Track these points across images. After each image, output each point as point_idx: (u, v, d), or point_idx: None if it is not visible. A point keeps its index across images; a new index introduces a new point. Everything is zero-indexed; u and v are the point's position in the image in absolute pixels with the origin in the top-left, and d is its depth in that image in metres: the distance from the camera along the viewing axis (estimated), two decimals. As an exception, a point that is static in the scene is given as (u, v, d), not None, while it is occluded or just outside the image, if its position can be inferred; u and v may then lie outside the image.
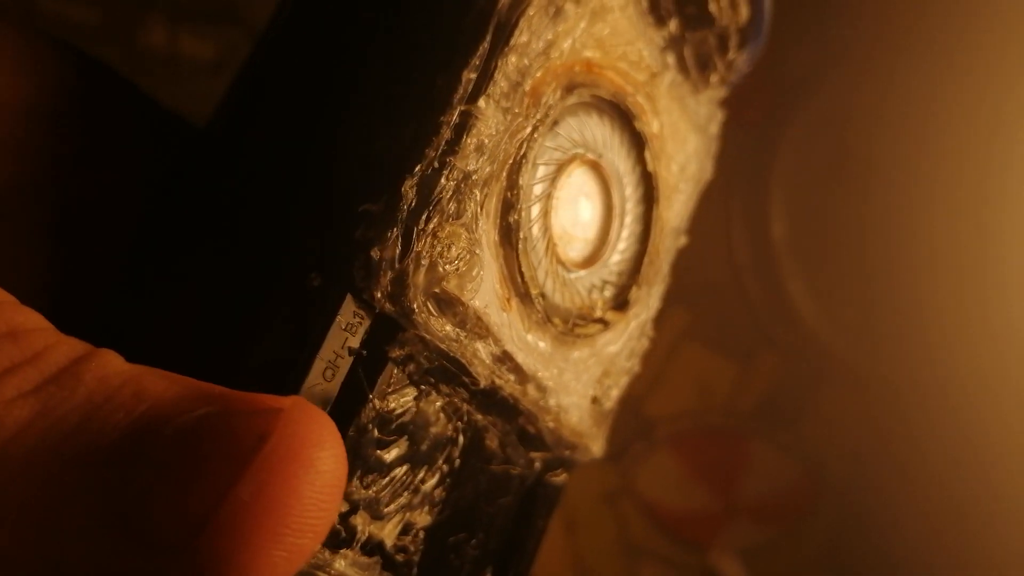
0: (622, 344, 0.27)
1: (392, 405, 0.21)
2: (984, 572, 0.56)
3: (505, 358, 0.22)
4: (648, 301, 0.27)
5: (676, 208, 0.28)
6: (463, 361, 0.21)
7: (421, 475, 0.22)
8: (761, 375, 0.64)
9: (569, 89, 0.23)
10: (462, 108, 0.20)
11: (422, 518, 0.22)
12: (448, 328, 0.21)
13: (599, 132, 0.25)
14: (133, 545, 0.14)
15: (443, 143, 0.20)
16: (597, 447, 0.26)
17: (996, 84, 0.53)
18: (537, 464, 0.25)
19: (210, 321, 0.21)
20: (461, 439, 0.23)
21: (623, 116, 0.25)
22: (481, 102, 0.20)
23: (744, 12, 0.29)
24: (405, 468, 0.21)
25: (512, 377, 0.23)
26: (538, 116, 0.22)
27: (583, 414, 0.25)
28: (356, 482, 0.20)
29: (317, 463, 0.14)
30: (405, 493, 0.21)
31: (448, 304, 0.20)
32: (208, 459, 0.14)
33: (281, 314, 0.20)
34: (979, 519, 0.56)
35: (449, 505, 0.23)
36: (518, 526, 0.25)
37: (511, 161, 0.21)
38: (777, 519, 0.64)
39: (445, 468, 0.22)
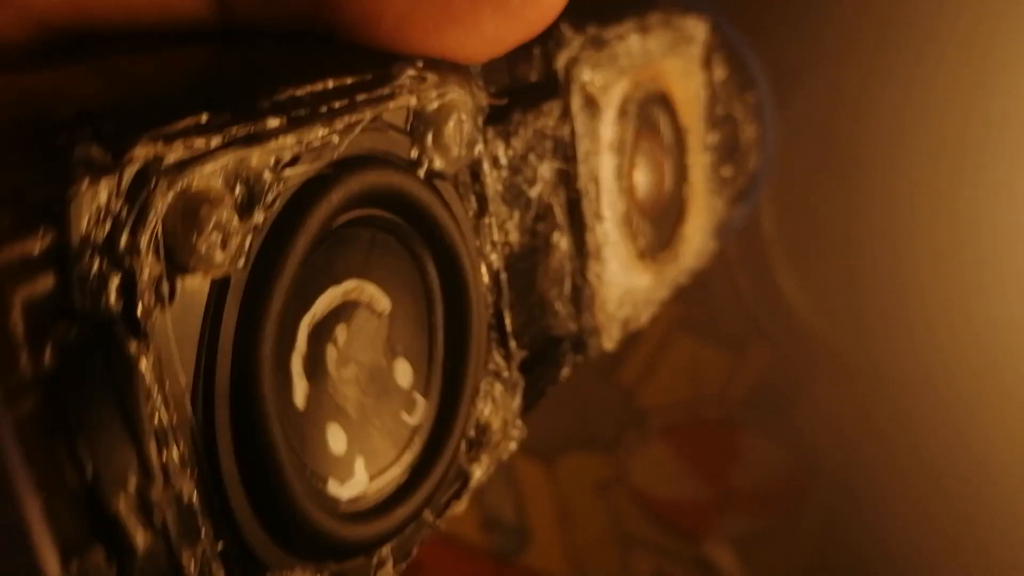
0: (647, 284, 0.32)
1: (542, 124, 0.26)
2: (977, 557, 0.57)
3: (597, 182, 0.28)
4: (663, 284, 0.33)
5: (687, 253, 0.35)
6: (578, 151, 0.27)
7: (523, 206, 0.25)
8: (753, 366, 0.64)
9: (663, 92, 0.33)
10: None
11: (512, 237, 0.24)
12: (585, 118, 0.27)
13: (669, 135, 0.34)
14: None
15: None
16: (611, 342, 0.29)
17: (982, 74, 0.54)
18: (571, 325, 0.27)
19: None
20: (542, 229, 0.26)
21: (681, 147, 0.34)
22: (633, 36, 0.30)
23: (752, 163, 0.40)
24: (524, 191, 0.25)
25: (595, 205, 0.27)
26: (651, 77, 0.32)
27: (616, 304, 0.29)
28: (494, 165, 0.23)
29: None
30: (514, 213, 0.24)
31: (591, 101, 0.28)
32: None
33: None
34: (971, 505, 0.57)
35: (519, 266, 0.25)
36: (539, 365, 0.26)
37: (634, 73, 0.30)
38: (770, 508, 0.64)
39: (531, 227, 0.25)
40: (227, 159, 0.14)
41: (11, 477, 0.11)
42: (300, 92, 0.16)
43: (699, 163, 0.35)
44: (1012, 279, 0.55)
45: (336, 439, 0.17)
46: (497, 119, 0.23)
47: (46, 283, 0.12)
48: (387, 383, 0.19)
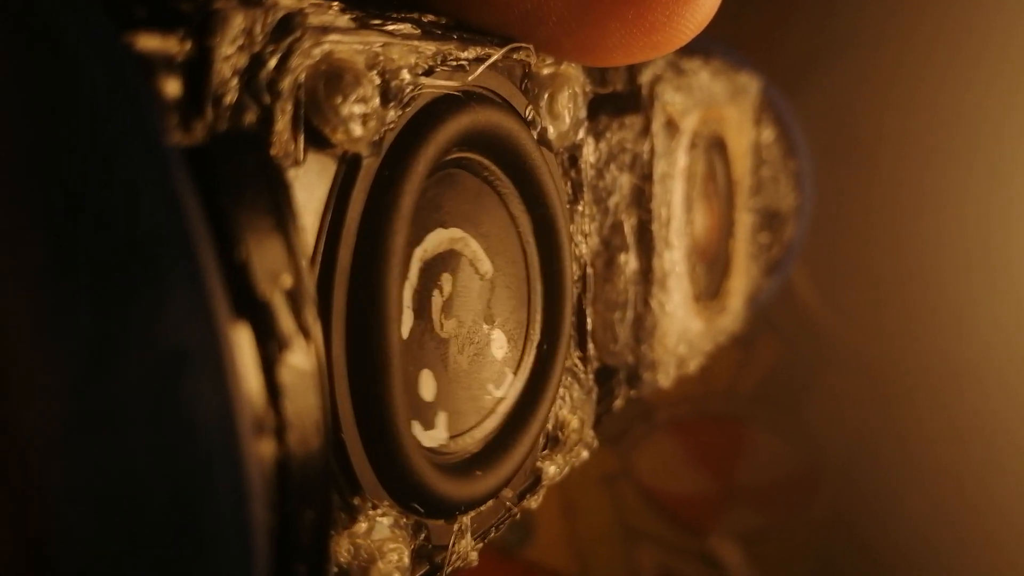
0: (700, 330, 0.31)
1: (622, 135, 0.25)
2: (984, 549, 0.57)
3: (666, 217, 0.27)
4: (711, 335, 0.33)
5: (732, 309, 0.35)
6: (655, 170, 0.26)
7: (603, 212, 0.24)
8: (762, 359, 0.64)
9: (721, 139, 0.33)
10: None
11: (592, 241, 0.23)
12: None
13: (723, 185, 0.34)
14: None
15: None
16: (667, 380, 0.28)
17: (1004, 64, 0.53)
18: (628, 357, 0.26)
19: None
20: (613, 244, 0.25)
21: (730, 200, 0.34)
22: (703, 73, 0.30)
23: (788, 234, 0.40)
24: (604, 199, 0.24)
25: (665, 231, 0.27)
26: (715, 119, 0.32)
27: (675, 339, 0.28)
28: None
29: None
30: (596, 216, 0.24)
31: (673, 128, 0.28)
32: None
33: None
34: (979, 502, 0.57)
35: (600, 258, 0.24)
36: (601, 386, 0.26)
37: (704, 110, 0.31)
38: (776, 504, 0.64)
39: (607, 238, 0.25)
40: (370, 40, 0.14)
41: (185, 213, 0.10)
42: (431, 18, 0.16)
43: (744, 221, 0.35)
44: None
45: (427, 386, 0.17)
46: (589, 116, 0.22)
47: (176, 87, 0.11)
48: (482, 350, 0.19)
